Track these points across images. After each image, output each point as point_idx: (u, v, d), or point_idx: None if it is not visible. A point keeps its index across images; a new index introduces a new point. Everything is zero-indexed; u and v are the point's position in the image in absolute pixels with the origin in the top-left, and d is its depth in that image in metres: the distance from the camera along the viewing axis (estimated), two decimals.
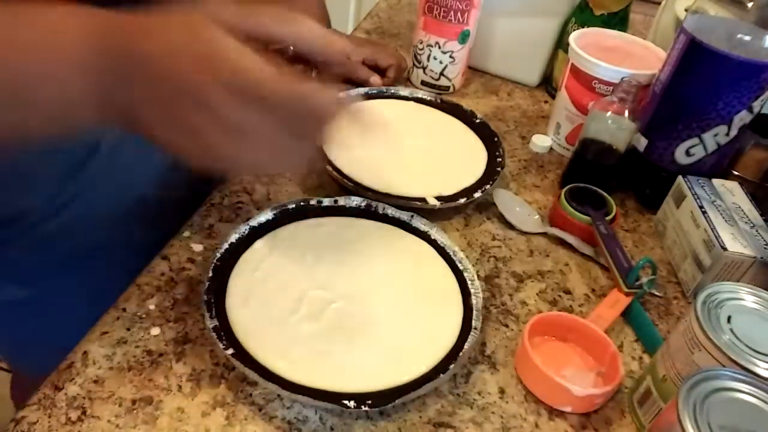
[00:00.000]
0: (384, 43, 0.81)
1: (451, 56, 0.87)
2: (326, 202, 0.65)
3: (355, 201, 0.66)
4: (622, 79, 0.68)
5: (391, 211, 0.65)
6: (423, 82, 0.91)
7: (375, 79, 0.83)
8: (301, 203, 0.64)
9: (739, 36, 0.62)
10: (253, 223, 0.61)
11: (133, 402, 0.48)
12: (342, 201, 0.66)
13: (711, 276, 0.60)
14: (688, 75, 0.65)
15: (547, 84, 0.95)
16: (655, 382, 0.49)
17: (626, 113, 0.68)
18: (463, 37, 0.85)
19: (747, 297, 0.48)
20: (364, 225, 0.64)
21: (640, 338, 0.59)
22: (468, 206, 0.71)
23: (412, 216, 0.65)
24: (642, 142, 0.72)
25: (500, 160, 0.74)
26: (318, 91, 0.36)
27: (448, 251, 0.62)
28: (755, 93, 0.63)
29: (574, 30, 0.81)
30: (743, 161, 0.72)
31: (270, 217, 0.62)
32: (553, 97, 0.89)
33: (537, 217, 0.71)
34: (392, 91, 0.84)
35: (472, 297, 0.57)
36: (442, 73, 0.89)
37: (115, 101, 0.34)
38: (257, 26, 0.42)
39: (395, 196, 0.67)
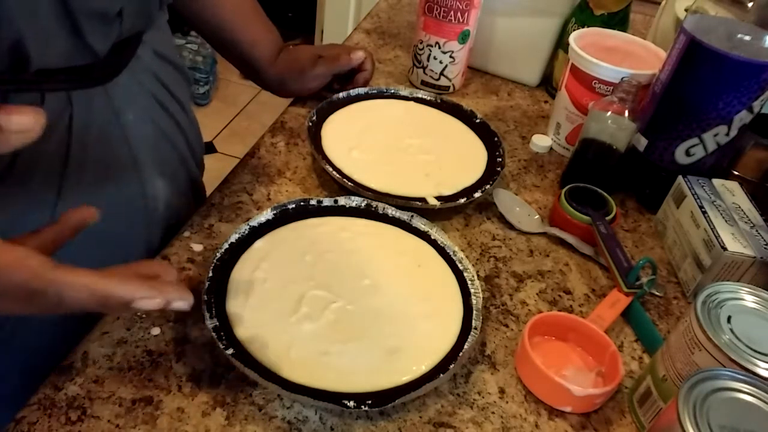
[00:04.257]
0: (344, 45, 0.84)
1: (451, 56, 0.87)
2: (326, 202, 0.65)
3: (355, 201, 0.66)
4: (622, 79, 0.68)
5: (391, 211, 0.65)
6: (423, 82, 0.91)
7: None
8: (301, 203, 0.64)
9: (739, 36, 0.62)
10: (253, 223, 0.61)
11: (133, 402, 0.48)
12: (342, 201, 0.66)
13: (711, 276, 0.60)
14: (688, 75, 0.65)
15: (547, 84, 0.95)
16: (655, 382, 0.49)
17: (626, 113, 0.68)
18: (463, 37, 0.85)
19: (747, 297, 0.48)
20: (364, 225, 0.64)
21: (640, 338, 0.59)
22: (468, 206, 0.71)
23: (412, 216, 0.65)
24: (642, 142, 0.72)
25: (500, 160, 0.74)
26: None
27: (448, 251, 0.62)
28: (755, 93, 0.63)
29: (574, 30, 0.81)
30: (743, 161, 0.72)
31: (270, 217, 0.62)
32: (553, 97, 0.89)
33: (537, 217, 0.71)
34: (392, 91, 0.84)
35: (472, 297, 0.57)
36: (442, 73, 0.89)
37: None
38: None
39: (395, 196, 0.67)
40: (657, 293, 0.64)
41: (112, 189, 0.58)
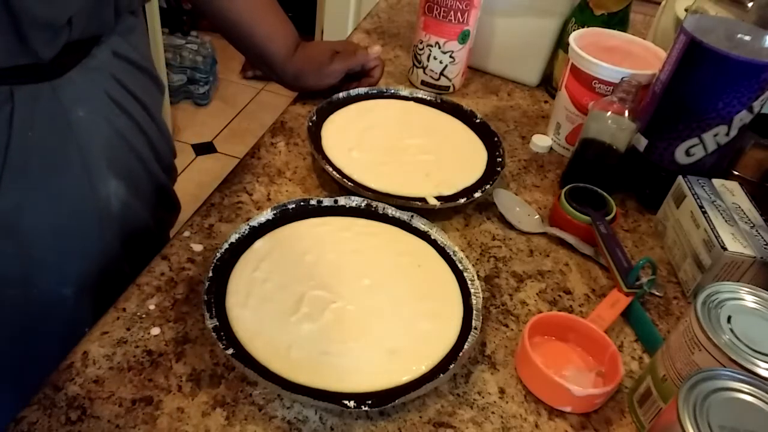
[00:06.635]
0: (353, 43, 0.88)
1: (451, 56, 0.87)
2: (326, 202, 0.65)
3: (355, 201, 0.66)
4: (622, 79, 0.68)
5: (391, 211, 0.65)
6: (423, 82, 0.91)
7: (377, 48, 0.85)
8: (301, 203, 0.64)
9: (739, 36, 0.62)
10: (253, 223, 0.61)
11: (133, 402, 0.48)
12: (342, 201, 0.66)
13: (711, 276, 0.60)
14: (688, 75, 0.65)
15: (547, 84, 0.95)
16: (655, 382, 0.49)
17: (626, 113, 0.68)
18: (463, 37, 0.85)
19: (747, 297, 0.48)
20: (364, 225, 0.64)
21: (640, 338, 0.59)
22: (468, 206, 0.71)
23: (412, 216, 0.65)
24: (642, 142, 0.72)
25: (500, 160, 0.74)
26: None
27: (448, 251, 0.62)
28: (755, 93, 0.63)
29: (574, 30, 0.81)
30: (743, 161, 0.72)
31: (270, 217, 0.62)
32: (553, 97, 0.89)
33: (537, 217, 0.71)
34: (392, 91, 0.84)
35: (472, 297, 0.57)
36: (442, 73, 0.89)
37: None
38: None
39: (395, 196, 0.67)
40: (657, 293, 0.64)
41: (57, 185, 0.57)
